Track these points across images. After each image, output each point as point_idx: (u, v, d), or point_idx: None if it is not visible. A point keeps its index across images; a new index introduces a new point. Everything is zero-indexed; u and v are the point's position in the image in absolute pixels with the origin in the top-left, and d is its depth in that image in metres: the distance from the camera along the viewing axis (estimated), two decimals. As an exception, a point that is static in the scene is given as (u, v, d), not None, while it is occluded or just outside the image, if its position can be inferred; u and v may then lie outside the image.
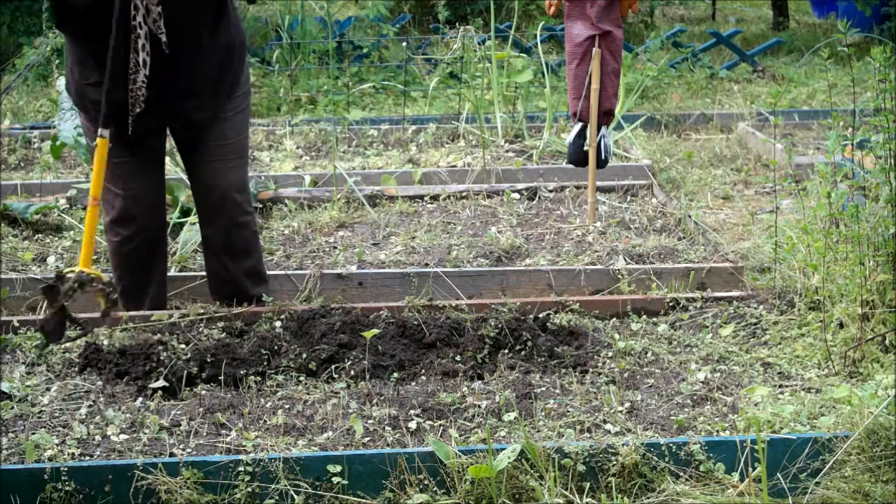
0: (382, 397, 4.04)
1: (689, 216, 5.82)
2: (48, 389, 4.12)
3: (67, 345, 4.39)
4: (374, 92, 9.09)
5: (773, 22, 12.74)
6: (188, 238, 5.46)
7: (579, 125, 5.81)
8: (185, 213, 5.77)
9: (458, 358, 4.35)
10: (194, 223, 5.53)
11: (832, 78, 6.68)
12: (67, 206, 6.12)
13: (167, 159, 5.14)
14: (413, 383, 4.22)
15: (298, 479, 3.49)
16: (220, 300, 4.76)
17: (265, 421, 3.88)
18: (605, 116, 5.78)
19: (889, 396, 3.75)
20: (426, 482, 3.51)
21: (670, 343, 4.58)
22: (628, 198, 6.36)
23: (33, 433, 3.76)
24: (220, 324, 4.59)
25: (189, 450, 3.70)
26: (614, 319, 4.80)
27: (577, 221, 5.91)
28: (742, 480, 3.53)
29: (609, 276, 5.12)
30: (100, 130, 4.29)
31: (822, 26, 12.35)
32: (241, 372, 4.20)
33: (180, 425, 3.85)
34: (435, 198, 6.36)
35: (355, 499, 3.50)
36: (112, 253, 4.77)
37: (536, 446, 3.53)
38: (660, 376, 4.27)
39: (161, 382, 4.12)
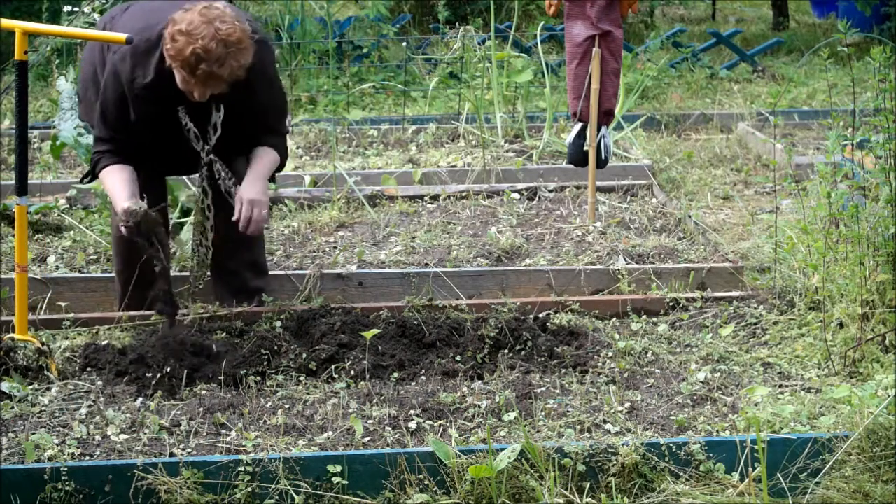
0: (382, 397, 4.04)
1: (689, 216, 5.82)
2: (48, 389, 4.12)
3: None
4: (374, 92, 9.09)
5: (773, 22, 12.74)
6: (188, 238, 5.45)
7: (579, 125, 5.81)
8: (186, 213, 5.77)
9: (458, 358, 4.35)
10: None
11: (832, 78, 6.68)
12: (67, 206, 6.12)
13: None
14: (413, 383, 4.22)
15: (298, 479, 3.49)
16: (218, 290, 4.76)
17: (265, 421, 3.88)
18: (605, 116, 5.78)
19: (889, 396, 3.75)
20: (426, 482, 3.51)
21: (670, 343, 4.58)
22: (628, 198, 6.36)
23: (33, 433, 3.76)
24: (220, 323, 4.58)
25: (189, 450, 3.70)
26: (614, 319, 4.81)
27: (577, 221, 5.91)
28: (742, 480, 3.53)
29: (609, 276, 5.12)
30: (15, 199, 4.28)
31: (822, 26, 12.34)
32: (241, 372, 4.20)
33: (180, 425, 3.85)
34: (435, 198, 6.36)
35: (355, 499, 3.50)
36: (117, 240, 4.78)
37: (536, 446, 3.53)
38: (660, 376, 4.28)
39: (161, 382, 4.13)
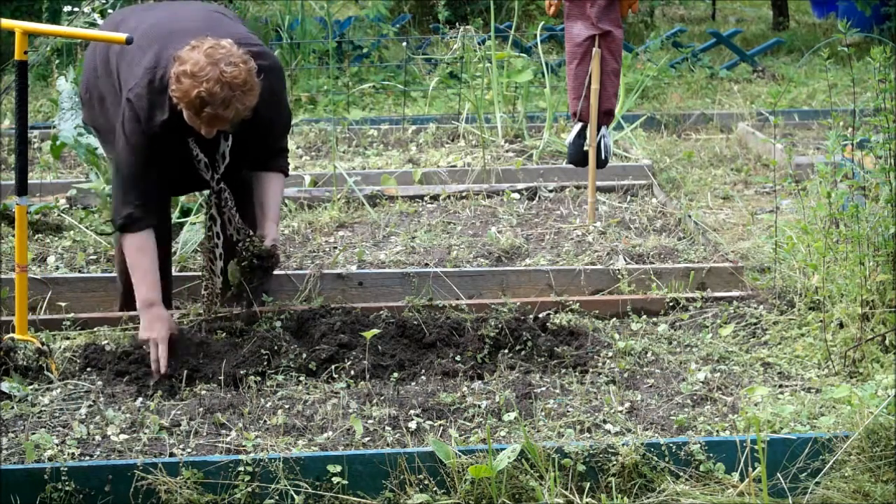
0: (382, 397, 4.04)
1: (689, 216, 5.82)
2: (48, 389, 4.12)
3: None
4: (374, 92, 9.09)
5: (773, 22, 12.74)
6: (188, 238, 5.45)
7: (579, 125, 5.81)
8: (186, 213, 5.77)
9: (458, 358, 4.35)
10: (194, 223, 5.53)
11: (832, 78, 6.68)
12: (67, 206, 6.12)
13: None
14: (413, 383, 4.22)
15: (298, 479, 3.49)
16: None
17: (265, 421, 3.89)
18: (605, 116, 5.78)
19: (889, 396, 3.75)
20: (426, 482, 3.51)
21: (670, 343, 4.58)
22: (628, 198, 6.36)
23: (33, 433, 3.76)
24: (221, 323, 4.58)
25: (189, 450, 3.70)
26: (614, 319, 4.81)
27: (577, 221, 5.91)
28: (742, 480, 3.53)
29: (609, 276, 5.12)
30: (15, 199, 4.27)
31: (822, 26, 12.35)
32: (241, 372, 4.20)
33: (180, 425, 3.85)
34: (435, 198, 6.36)
35: (355, 499, 3.51)
36: (118, 243, 4.77)
37: (536, 446, 3.53)
38: (660, 376, 4.28)
39: (160, 382, 4.13)
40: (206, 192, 4.65)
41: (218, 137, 4.43)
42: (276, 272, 5.06)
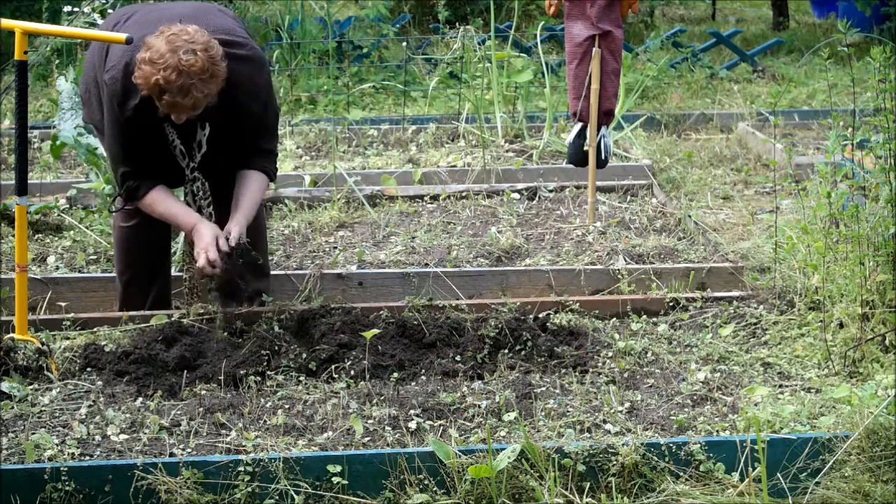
0: (382, 397, 4.04)
1: (689, 216, 5.82)
2: (48, 389, 4.12)
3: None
4: (374, 92, 9.09)
5: (773, 22, 12.74)
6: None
7: (579, 125, 5.81)
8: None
9: (458, 358, 4.35)
10: (194, 223, 5.52)
11: (832, 78, 6.68)
12: (67, 206, 6.12)
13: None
14: (413, 383, 4.22)
15: (298, 479, 3.49)
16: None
17: (265, 421, 3.89)
18: (605, 116, 5.78)
19: (889, 396, 3.75)
20: (426, 482, 3.51)
21: (670, 343, 4.58)
22: (628, 198, 6.36)
23: (33, 433, 3.76)
24: (221, 323, 4.58)
25: (189, 450, 3.70)
26: (614, 319, 4.81)
27: (577, 221, 5.91)
28: (742, 480, 3.53)
29: (609, 276, 5.12)
30: (15, 199, 4.27)
31: (822, 26, 12.34)
32: (241, 372, 4.20)
33: (180, 425, 3.86)
34: (435, 198, 6.36)
35: (355, 499, 3.51)
36: (118, 241, 4.78)
37: (536, 446, 3.53)
38: (660, 376, 4.28)
39: (161, 382, 4.13)
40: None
41: (195, 125, 4.43)
42: (277, 272, 5.07)
